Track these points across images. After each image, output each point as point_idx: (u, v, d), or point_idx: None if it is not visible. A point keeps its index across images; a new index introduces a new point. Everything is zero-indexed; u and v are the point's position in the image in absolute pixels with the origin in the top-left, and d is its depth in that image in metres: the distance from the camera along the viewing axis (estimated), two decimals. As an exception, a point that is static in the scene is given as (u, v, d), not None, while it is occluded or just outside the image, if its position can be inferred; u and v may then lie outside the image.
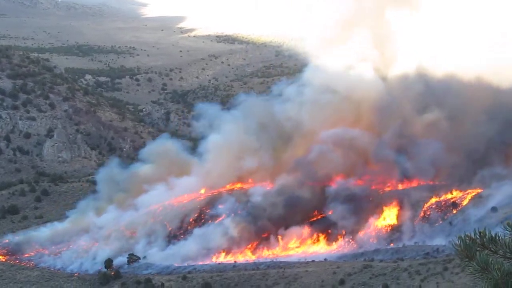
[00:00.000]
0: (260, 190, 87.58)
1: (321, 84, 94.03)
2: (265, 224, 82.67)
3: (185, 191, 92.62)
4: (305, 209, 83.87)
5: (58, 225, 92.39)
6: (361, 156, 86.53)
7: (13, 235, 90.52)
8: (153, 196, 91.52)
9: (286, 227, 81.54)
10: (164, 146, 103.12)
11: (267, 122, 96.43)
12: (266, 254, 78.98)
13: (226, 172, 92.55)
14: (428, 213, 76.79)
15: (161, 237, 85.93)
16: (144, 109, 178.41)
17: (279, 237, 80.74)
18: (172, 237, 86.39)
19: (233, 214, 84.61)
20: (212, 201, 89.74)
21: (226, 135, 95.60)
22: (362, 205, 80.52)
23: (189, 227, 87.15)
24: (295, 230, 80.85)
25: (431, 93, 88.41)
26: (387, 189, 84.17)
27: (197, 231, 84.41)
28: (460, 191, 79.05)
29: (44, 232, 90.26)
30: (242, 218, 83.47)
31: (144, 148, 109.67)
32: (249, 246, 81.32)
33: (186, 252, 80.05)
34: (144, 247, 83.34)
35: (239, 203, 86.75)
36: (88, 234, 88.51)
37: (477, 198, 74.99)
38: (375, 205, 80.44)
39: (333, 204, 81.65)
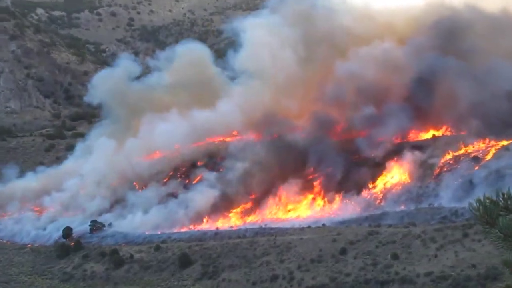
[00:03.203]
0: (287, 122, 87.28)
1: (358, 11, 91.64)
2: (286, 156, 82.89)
3: (200, 131, 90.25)
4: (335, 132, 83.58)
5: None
6: (399, 76, 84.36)
7: None
8: (162, 133, 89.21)
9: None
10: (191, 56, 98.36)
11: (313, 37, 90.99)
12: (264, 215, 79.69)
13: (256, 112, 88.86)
14: (446, 169, 76.93)
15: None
16: (107, 49, 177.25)
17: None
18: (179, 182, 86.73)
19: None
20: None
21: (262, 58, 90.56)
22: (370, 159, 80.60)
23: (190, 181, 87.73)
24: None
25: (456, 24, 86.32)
26: (397, 140, 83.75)
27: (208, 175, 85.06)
28: (484, 142, 78.80)
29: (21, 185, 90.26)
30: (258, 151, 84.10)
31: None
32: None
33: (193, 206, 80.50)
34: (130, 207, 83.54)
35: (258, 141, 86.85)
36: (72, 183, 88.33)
37: (504, 151, 75.03)
38: (384, 159, 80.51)
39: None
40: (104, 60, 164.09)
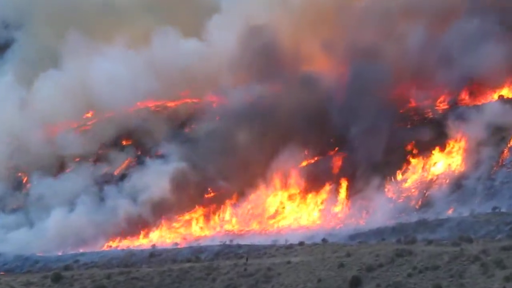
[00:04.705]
0: None
1: None
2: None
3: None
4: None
5: None
6: None
7: None
8: (100, 77, 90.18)
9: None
10: None
11: None
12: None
13: None
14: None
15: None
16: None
17: None
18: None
19: None
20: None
21: None
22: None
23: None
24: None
25: None
26: (443, 105, 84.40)
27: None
28: None
29: None
30: None
31: None
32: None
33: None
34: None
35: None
36: None
37: None
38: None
39: None
40: None
